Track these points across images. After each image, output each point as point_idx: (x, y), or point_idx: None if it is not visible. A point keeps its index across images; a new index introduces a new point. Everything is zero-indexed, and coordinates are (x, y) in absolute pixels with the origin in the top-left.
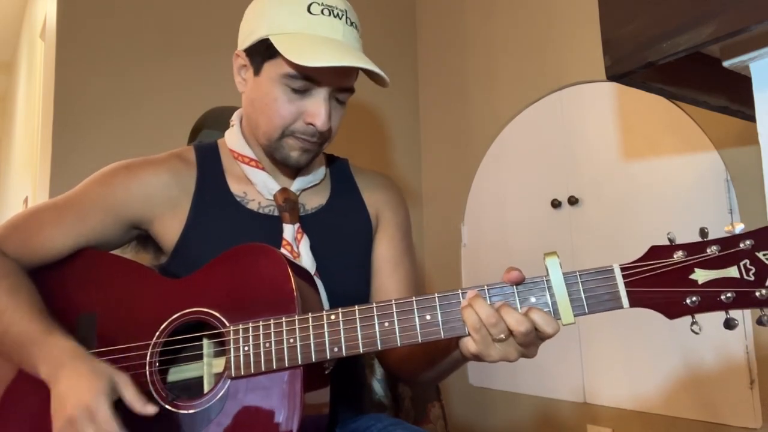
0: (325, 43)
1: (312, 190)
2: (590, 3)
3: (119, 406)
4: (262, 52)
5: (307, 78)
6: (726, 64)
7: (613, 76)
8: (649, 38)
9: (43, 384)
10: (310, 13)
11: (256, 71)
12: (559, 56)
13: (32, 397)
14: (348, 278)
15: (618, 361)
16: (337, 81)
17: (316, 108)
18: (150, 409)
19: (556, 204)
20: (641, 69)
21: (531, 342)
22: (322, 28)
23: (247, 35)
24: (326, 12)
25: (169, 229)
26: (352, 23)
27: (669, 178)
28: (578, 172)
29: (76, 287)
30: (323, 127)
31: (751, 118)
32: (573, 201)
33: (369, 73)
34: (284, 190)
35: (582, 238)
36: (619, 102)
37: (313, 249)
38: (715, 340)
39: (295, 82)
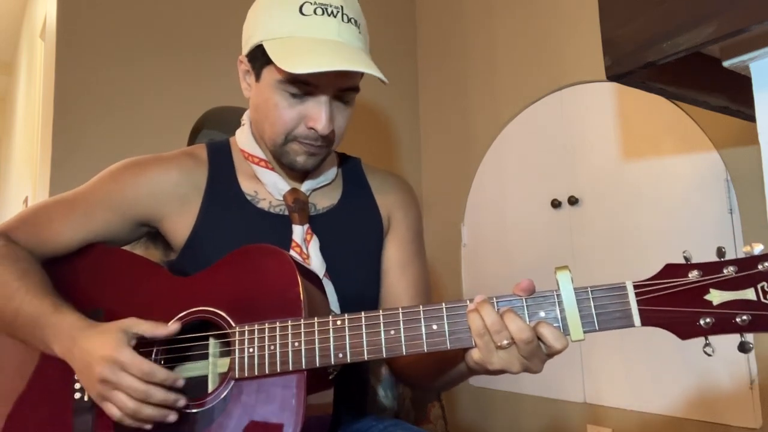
0: (319, 45)
1: (323, 190)
2: (590, 3)
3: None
4: (260, 57)
5: (305, 83)
6: (726, 64)
7: (613, 76)
8: (649, 38)
9: (53, 371)
10: (302, 14)
11: (257, 77)
12: (559, 56)
13: (44, 384)
14: (358, 279)
15: (618, 361)
16: (337, 83)
17: (317, 112)
18: (173, 327)
19: (556, 204)
20: (641, 69)
21: (533, 353)
22: (315, 29)
23: (247, 40)
24: (319, 11)
25: (179, 227)
26: (349, 19)
27: (669, 178)
28: (578, 172)
29: (84, 282)
30: (324, 131)
31: (751, 118)
32: (573, 201)
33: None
34: (294, 191)
35: (582, 238)
36: (619, 102)
37: (324, 250)
38: (716, 340)
39: (292, 87)
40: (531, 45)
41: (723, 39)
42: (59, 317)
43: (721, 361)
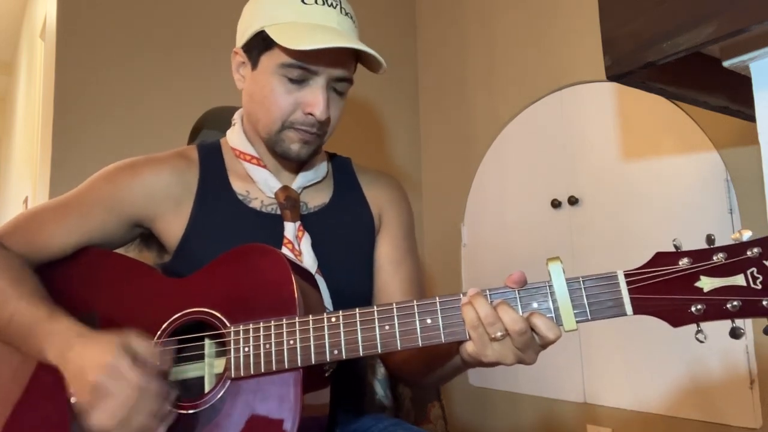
0: (320, 29)
1: (314, 189)
2: (590, 3)
3: None
4: (259, 44)
5: (303, 67)
6: (726, 64)
7: (613, 76)
8: (649, 38)
9: (49, 376)
10: (304, 3)
11: (254, 65)
12: (559, 56)
13: (40, 392)
14: (351, 277)
15: (618, 361)
16: (334, 68)
17: (314, 97)
18: (167, 354)
19: (556, 204)
20: (641, 69)
21: (527, 345)
22: (316, 16)
23: (244, 31)
24: (320, 1)
25: (172, 228)
26: (346, 13)
27: (669, 178)
28: (578, 172)
29: (78, 286)
30: (322, 116)
31: (751, 118)
32: (573, 201)
33: (365, 62)
34: (285, 188)
35: (582, 238)
36: (619, 102)
37: (316, 247)
38: (715, 340)
39: (291, 71)
40: (531, 45)
41: (723, 39)
42: (54, 323)
43: (721, 361)
